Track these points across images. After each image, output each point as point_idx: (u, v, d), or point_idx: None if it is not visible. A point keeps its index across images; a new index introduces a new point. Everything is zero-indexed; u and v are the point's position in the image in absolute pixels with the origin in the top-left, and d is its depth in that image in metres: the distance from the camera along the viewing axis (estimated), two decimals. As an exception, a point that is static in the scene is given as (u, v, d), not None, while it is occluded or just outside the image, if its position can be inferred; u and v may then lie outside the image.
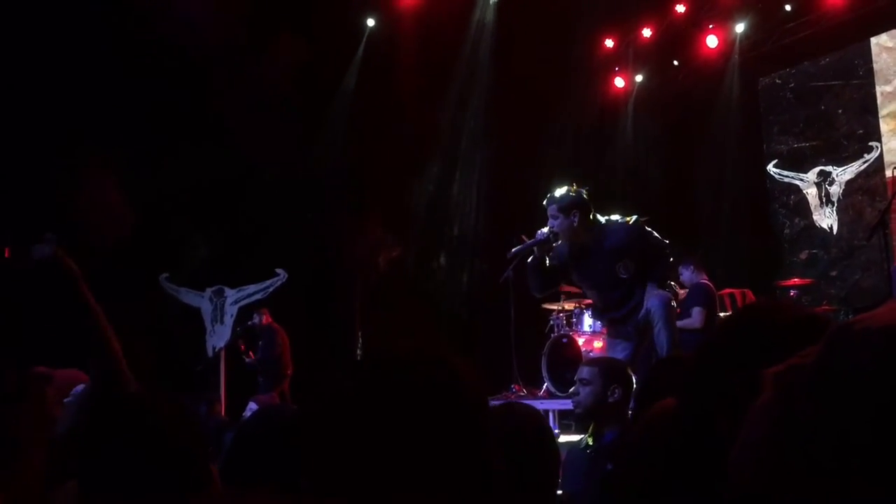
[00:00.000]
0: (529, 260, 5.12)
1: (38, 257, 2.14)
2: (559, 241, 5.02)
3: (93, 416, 1.66)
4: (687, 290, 7.78)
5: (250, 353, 9.10)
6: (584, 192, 5.05)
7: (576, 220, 4.95)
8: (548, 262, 5.11)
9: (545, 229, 5.05)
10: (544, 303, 8.73)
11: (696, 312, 7.24)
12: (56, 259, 2.17)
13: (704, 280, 7.66)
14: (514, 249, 5.18)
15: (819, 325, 1.20)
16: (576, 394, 3.30)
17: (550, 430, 2.17)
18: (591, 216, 5.03)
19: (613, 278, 5.03)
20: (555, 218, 4.99)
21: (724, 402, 1.16)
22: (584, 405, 3.26)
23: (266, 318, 9.20)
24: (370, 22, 10.41)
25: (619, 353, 5.17)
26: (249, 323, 9.26)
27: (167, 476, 1.52)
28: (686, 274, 7.75)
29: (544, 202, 5.07)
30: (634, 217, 5.20)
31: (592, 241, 5.01)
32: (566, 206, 4.97)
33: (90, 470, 1.55)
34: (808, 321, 1.21)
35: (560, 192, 5.04)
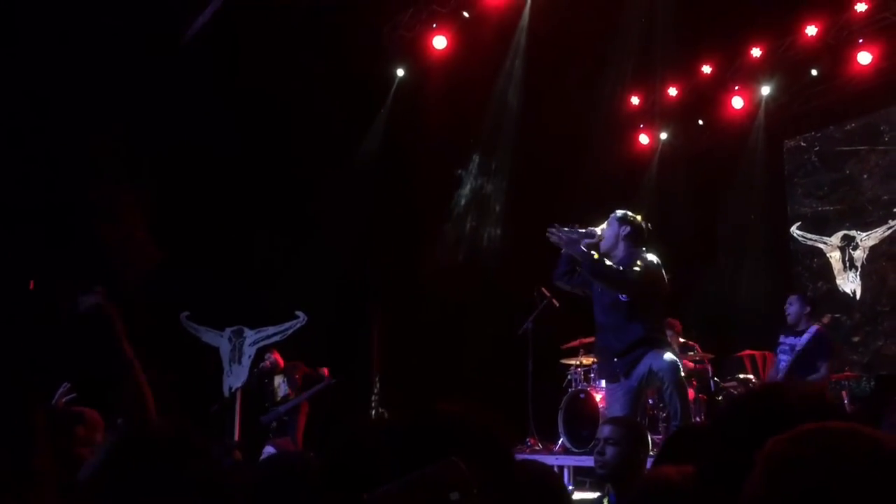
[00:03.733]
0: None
1: (84, 308, 2.17)
2: (600, 241, 5.35)
3: (126, 456, 1.67)
4: (800, 331, 7.19)
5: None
6: (645, 225, 5.45)
7: (623, 232, 5.33)
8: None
9: (598, 229, 5.39)
10: (563, 357, 8.70)
11: (824, 368, 6.93)
12: (101, 310, 2.20)
13: (820, 326, 7.19)
14: (563, 228, 5.42)
15: (823, 406, 1.23)
16: (601, 453, 3.25)
17: (565, 488, 2.16)
18: (637, 241, 5.35)
19: (615, 297, 5.24)
20: (609, 225, 5.40)
21: (735, 474, 1.19)
22: (612, 465, 3.20)
23: (279, 359, 9.23)
24: (400, 72, 10.57)
25: (618, 404, 5.19)
26: (261, 366, 9.30)
27: None
28: (795, 308, 7.20)
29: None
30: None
31: (620, 261, 5.27)
32: (622, 217, 5.40)
33: None
34: (815, 402, 1.24)
35: (627, 211, 5.48)
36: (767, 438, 1.18)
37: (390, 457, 1.08)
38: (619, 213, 5.46)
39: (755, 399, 1.35)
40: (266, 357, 9.30)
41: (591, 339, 8.20)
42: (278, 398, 9.14)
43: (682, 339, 8.42)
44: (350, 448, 1.16)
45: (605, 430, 3.30)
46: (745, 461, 1.18)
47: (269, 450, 5.11)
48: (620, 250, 5.35)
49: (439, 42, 10.02)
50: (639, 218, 5.47)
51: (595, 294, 5.45)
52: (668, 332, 8.47)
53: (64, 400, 4.05)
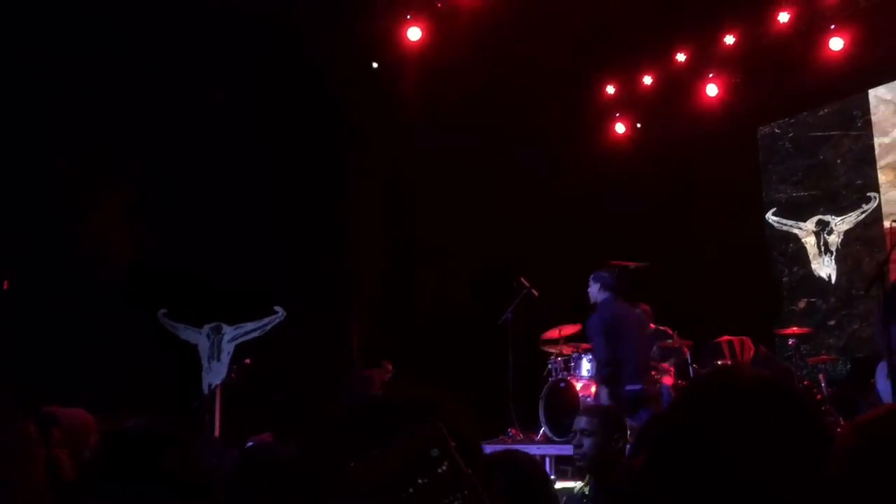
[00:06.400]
0: None
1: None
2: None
3: (107, 454, 1.65)
4: None
5: None
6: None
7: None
8: None
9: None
10: (543, 346, 8.73)
11: None
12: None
13: None
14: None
15: (774, 393, 1.22)
16: (579, 445, 3.24)
17: (549, 479, 2.16)
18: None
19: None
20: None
21: (680, 460, 1.18)
22: (590, 456, 3.20)
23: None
24: (374, 65, 10.51)
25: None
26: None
27: None
28: None
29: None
30: None
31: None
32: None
33: None
34: (764, 389, 1.23)
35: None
36: (715, 422, 1.17)
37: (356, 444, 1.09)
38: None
39: (704, 385, 1.33)
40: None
41: (571, 329, 8.28)
42: None
43: (653, 325, 8.50)
44: (318, 438, 1.16)
45: (581, 422, 3.31)
46: (693, 447, 1.17)
47: (250, 445, 5.09)
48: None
49: (414, 34, 9.97)
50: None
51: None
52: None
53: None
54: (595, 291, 7.04)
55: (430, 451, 1.01)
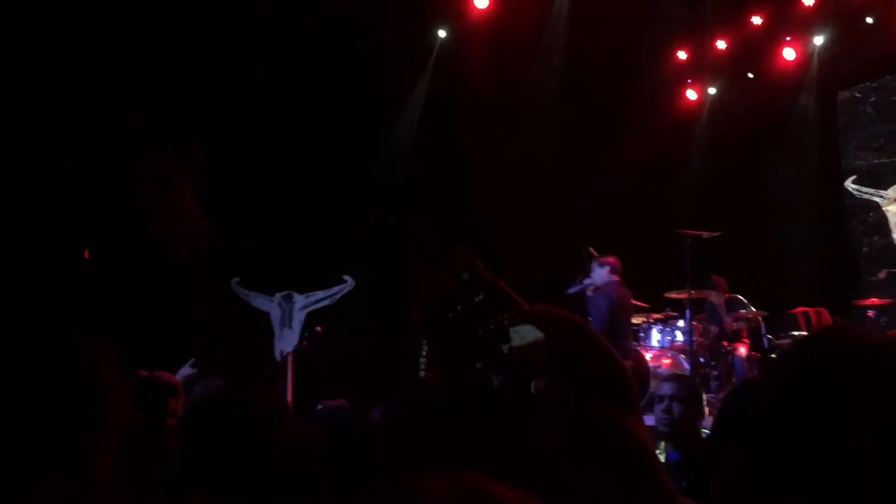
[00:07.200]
0: None
1: None
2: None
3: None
4: None
5: None
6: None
7: None
8: None
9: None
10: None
11: None
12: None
13: None
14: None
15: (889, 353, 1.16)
16: (668, 411, 3.16)
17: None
18: None
19: None
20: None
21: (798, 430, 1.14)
22: (679, 423, 3.13)
23: None
24: (441, 33, 10.46)
25: None
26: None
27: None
28: None
29: None
30: None
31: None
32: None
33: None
34: (879, 349, 1.17)
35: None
36: (827, 381, 1.12)
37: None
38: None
39: (813, 344, 1.28)
40: None
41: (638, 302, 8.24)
42: None
43: (728, 294, 8.39)
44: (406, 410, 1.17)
45: (666, 388, 3.23)
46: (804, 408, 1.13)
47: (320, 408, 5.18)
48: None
49: (481, 1, 9.88)
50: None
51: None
52: (714, 292, 8.47)
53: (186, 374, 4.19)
54: (604, 275, 7.85)
55: (461, 275, 1.03)
